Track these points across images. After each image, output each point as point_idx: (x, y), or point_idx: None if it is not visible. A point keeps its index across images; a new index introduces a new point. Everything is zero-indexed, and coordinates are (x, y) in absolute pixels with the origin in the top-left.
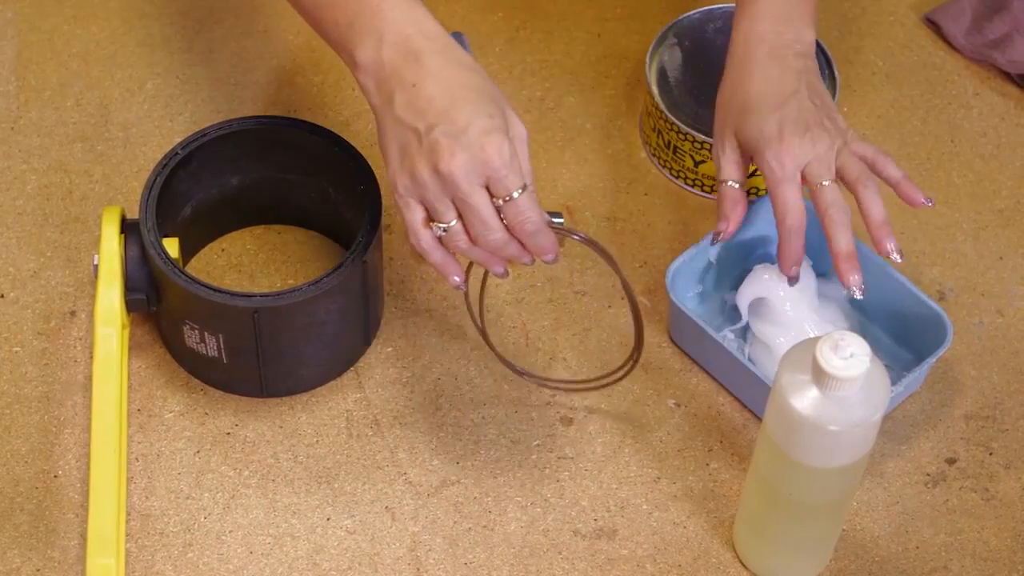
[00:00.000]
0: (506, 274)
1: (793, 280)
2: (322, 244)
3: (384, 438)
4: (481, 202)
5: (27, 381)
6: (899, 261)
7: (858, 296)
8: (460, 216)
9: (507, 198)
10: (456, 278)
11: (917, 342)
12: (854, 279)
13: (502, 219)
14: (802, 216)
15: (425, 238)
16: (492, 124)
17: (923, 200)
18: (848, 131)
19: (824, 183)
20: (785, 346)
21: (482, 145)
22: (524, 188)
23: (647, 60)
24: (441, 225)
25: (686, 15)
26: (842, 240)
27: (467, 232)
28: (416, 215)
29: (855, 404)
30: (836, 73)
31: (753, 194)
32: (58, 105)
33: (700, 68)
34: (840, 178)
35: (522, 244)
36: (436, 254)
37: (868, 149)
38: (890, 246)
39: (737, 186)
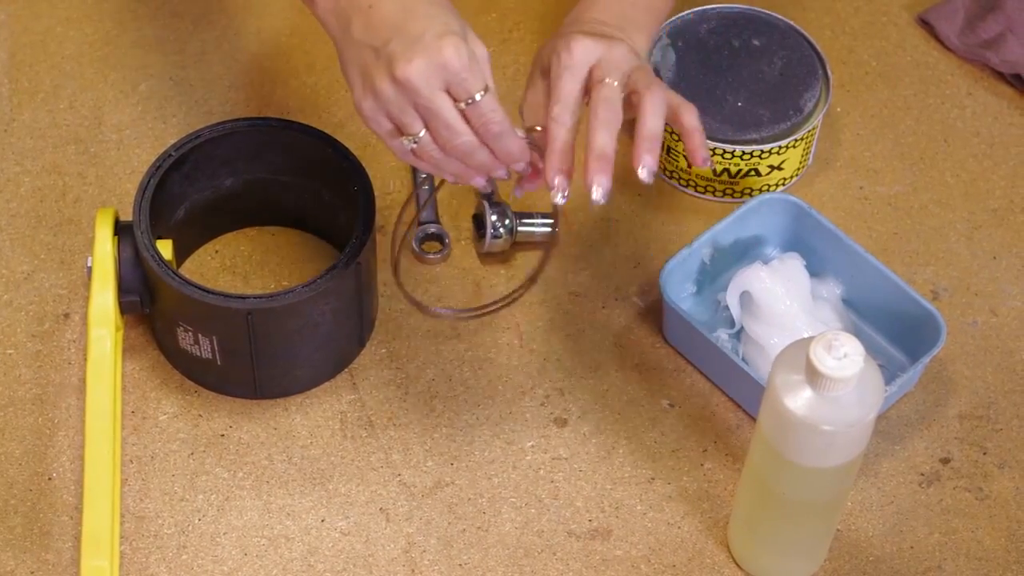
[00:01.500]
0: (489, 186)
1: (556, 192)
2: (316, 246)
3: (378, 439)
4: (443, 105)
5: (21, 383)
6: (646, 181)
7: (596, 198)
8: (427, 126)
9: (469, 100)
10: (480, 180)
11: (911, 342)
12: (598, 179)
13: (468, 124)
14: (573, 111)
15: (401, 150)
16: (448, 29)
17: (704, 158)
18: (661, 82)
19: (606, 80)
20: (779, 346)
21: (438, 47)
22: (486, 90)
23: None
24: (410, 137)
25: (680, 15)
26: (600, 139)
27: (437, 142)
28: (388, 133)
29: (849, 404)
30: (829, 73)
31: (740, 195)
32: (51, 107)
33: (694, 68)
34: (630, 89)
35: (492, 152)
36: (419, 163)
37: (675, 97)
38: (645, 160)
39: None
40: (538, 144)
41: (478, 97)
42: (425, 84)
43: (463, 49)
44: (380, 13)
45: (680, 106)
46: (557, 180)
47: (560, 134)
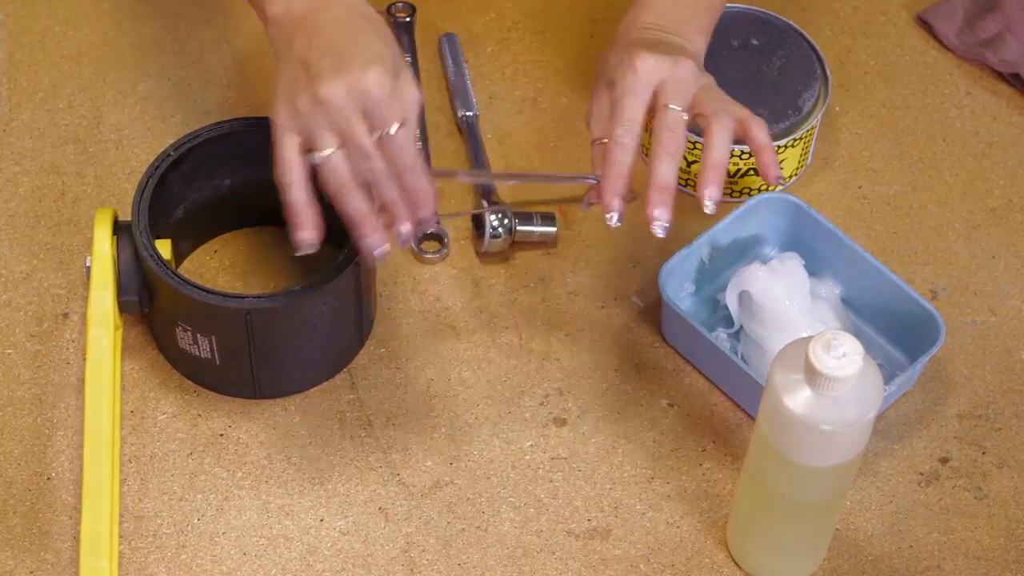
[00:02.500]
0: (378, 245)
1: (612, 216)
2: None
3: (377, 439)
4: (359, 129)
5: (20, 383)
6: (710, 212)
7: (657, 233)
8: (341, 146)
9: (385, 132)
10: (306, 234)
11: (910, 341)
12: (658, 212)
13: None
14: (636, 134)
15: (295, 171)
16: (378, 59)
17: (776, 175)
18: (727, 97)
19: (672, 106)
20: (777, 345)
21: (362, 73)
22: (403, 124)
23: None
24: (321, 153)
25: None
26: (662, 170)
27: (348, 162)
28: (290, 145)
29: (848, 403)
30: (828, 73)
31: (739, 195)
32: (50, 107)
33: None
34: (696, 111)
35: (401, 190)
36: (298, 192)
37: (743, 111)
38: (708, 192)
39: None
40: (445, 172)
41: (392, 131)
42: (345, 105)
43: (387, 82)
44: (323, 34)
45: (749, 121)
46: (615, 203)
47: (621, 157)
